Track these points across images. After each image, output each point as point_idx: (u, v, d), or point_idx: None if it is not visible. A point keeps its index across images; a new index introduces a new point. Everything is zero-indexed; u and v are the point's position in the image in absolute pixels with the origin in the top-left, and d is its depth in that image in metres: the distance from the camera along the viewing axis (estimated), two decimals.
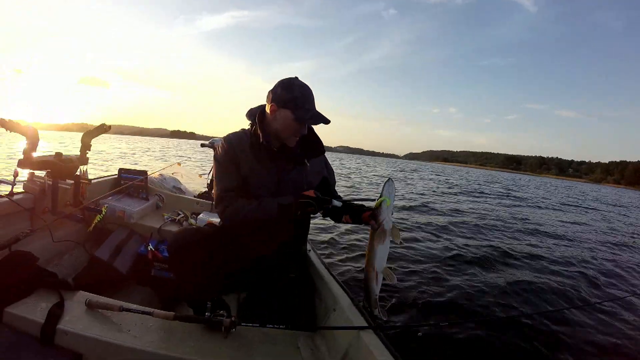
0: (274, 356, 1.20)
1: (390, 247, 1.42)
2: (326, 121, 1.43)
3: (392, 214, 1.39)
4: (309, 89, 1.44)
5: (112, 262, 1.94)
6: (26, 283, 1.24)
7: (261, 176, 1.46)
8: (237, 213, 1.39)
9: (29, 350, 1.04)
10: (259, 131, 1.45)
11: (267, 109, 1.46)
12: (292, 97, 1.39)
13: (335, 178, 1.77)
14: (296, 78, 1.44)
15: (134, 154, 22.32)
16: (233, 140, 1.48)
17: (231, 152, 1.45)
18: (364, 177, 21.29)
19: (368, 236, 1.42)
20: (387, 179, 1.43)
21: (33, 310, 1.15)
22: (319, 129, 1.59)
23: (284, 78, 1.45)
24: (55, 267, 1.93)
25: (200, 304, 1.25)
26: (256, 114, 1.49)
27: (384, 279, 1.41)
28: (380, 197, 1.39)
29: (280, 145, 1.49)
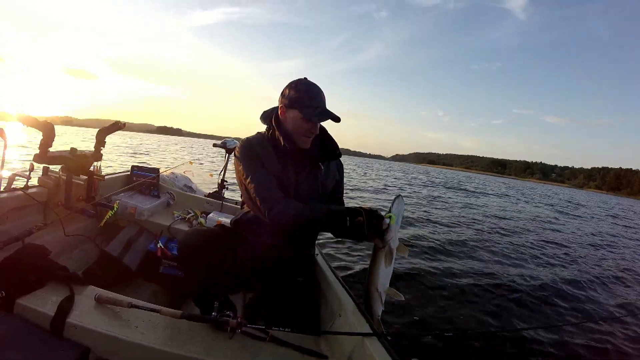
0: (278, 359, 1.20)
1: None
2: (335, 118, 1.38)
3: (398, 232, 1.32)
4: (317, 87, 1.42)
5: (121, 258, 1.96)
6: (38, 275, 1.25)
7: (282, 179, 1.44)
8: (287, 213, 1.34)
9: (38, 342, 1.06)
10: (277, 134, 1.44)
11: (279, 111, 1.46)
12: (300, 96, 1.38)
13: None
14: (305, 78, 1.43)
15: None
16: (254, 142, 1.47)
17: (255, 153, 1.43)
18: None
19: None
20: (396, 195, 1.35)
21: (44, 302, 1.16)
22: None
23: (294, 79, 1.44)
24: (66, 260, 1.96)
25: (208, 304, 1.25)
26: (271, 117, 1.48)
27: (387, 297, 1.36)
28: (387, 213, 1.30)
29: (296, 147, 1.46)
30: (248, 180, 1.40)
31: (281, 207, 1.35)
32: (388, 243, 1.29)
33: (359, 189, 14.08)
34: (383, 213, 1.31)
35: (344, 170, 1.74)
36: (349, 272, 3.77)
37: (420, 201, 12.17)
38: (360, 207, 1.29)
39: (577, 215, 16.47)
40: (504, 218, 10.93)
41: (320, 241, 4.56)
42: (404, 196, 1.38)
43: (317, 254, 1.92)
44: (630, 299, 4.52)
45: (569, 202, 28.05)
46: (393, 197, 1.35)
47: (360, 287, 3.24)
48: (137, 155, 17.87)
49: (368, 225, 1.26)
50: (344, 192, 1.74)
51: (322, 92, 1.42)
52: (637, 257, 7.81)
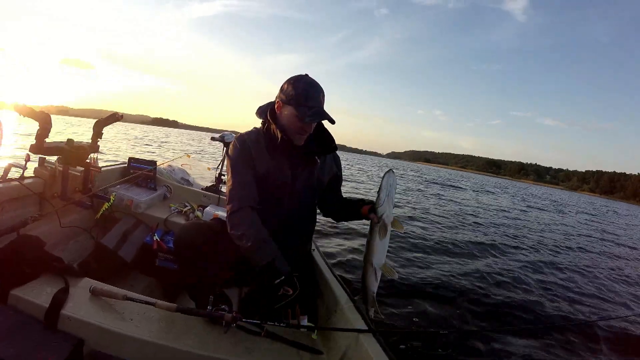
0: (273, 353, 1.20)
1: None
2: (330, 120, 1.38)
3: (393, 207, 1.34)
4: (318, 86, 1.40)
5: (117, 250, 1.95)
6: (32, 267, 1.25)
7: (278, 174, 1.44)
8: (237, 228, 1.35)
9: (32, 333, 1.05)
10: (274, 129, 1.43)
11: (275, 105, 1.45)
12: (297, 93, 1.36)
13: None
14: (306, 75, 1.42)
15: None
16: (247, 140, 1.46)
17: (245, 153, 1.43)
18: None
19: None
20: (387, 170, 1.36)
21: (38, 294, 1.16)
22: None
23: (294, 75, 1.43)
24: (62, 252, 1.95)
25: (203, 298, 1.25)
26: (266, 112, 1.47)
27: (383, 275, 1.38)
28: (380, 188, 1.34)
29: (292, 142, 1.45)
30: (229, 176, 1.43)
31: (237, 218, 1.36)
32: (382, 218, 1.31)
33: None
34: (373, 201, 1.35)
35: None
36: (346, 268, 3.77)
37: (409, 197, 12.40)
38: (295, 282, 1.29)
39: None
40: (497, 217, 11.17)
41: (319, 231, 4.56)
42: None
43: (314, 249, 1.92)
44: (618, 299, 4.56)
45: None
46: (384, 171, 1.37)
47: (357, 285, 3.26)
48: (135, 147, 17.81)
49: (293, 301, 1.27)
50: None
51: (321, 91, 1.41)
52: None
